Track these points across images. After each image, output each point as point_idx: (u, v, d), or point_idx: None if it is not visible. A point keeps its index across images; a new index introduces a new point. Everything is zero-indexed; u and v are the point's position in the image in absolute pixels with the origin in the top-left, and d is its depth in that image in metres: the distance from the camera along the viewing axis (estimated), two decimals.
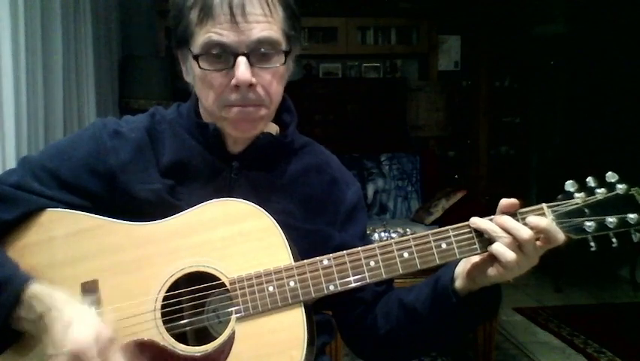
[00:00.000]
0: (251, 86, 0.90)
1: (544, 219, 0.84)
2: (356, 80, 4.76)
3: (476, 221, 0.87)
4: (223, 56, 0.90)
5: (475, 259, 0.89)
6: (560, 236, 0.84)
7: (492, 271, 0.86)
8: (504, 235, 0.84)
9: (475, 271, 0.89)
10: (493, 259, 0.86)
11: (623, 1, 4.28)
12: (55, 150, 1.01)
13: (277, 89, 0.95)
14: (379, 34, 4.67)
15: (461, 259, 0.90)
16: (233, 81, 0.90)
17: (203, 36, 0.90)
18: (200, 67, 0.91)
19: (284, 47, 0.93)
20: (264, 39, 0.90)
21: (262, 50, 0.90)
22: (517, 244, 0.83)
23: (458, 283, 0.92)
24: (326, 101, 4.55)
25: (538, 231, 0.84)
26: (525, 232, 0.83)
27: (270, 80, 0.93)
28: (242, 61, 0.89)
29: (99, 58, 3.26)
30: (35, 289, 0.85)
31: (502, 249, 0.84)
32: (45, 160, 0.98)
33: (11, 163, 1.92)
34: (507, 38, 4.82)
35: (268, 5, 0.90)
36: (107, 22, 3.50)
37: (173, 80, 3.67)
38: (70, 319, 0.81)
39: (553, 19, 4.79)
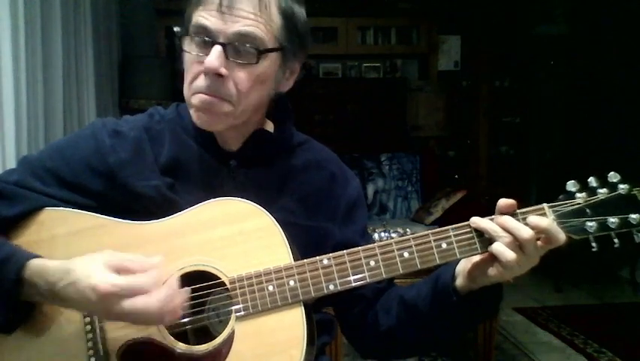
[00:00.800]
0: (221, 77, 0.90)
1: (545, 219, 0.84)
2: (356, 80, 4.76)
3: (477, 221, 0.87)
4: (204, 44, 0.91)
5: (476, 258, 0.89)
6: (561, 236, 0.84)
7: (492, 270, 0.86)
8: (504, 234, 0.84)
9: (475, 270, 0.89)
10: (493, 258, 0.85)
11: (623, 1, 4.28)
12: (55, 149, 1.01)
13: (251, 90, 0.93)
14: (379, 34, 4.67)
15: (461, 258, 0.90)
16: (203, 67, 0.90)
17: (193, 19, 0.91)
18: (182, 49, 0.92)
19: (257, 51, 0.91)
20: (245, 33, 0.89)
21: (239, 45, 0.90)
22: (518, 244, 0.83)
23: (459, 282, 0.92)
24: (326, 101, 4.55)
25: (538, 231, 0.83)
26: (526, 232, 0.83)
27: (244, 78, 0.91)
28: (215, 49, 0.89)
29: (99, 58, 3.26)
30: (35, 265, 0.85)
31: (502, 248, 0.84)
32: (45, 159, 0.99)
33: (11, 163, 1.92)
34: (507, 38, 4.81)
35: (260, 6, 0.90)
36: (107, 22, 3.50)
37: (173, 80, 3.67)
38: (76, 279, 0.80)
39: (554, 19, 4.79)
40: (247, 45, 0.90)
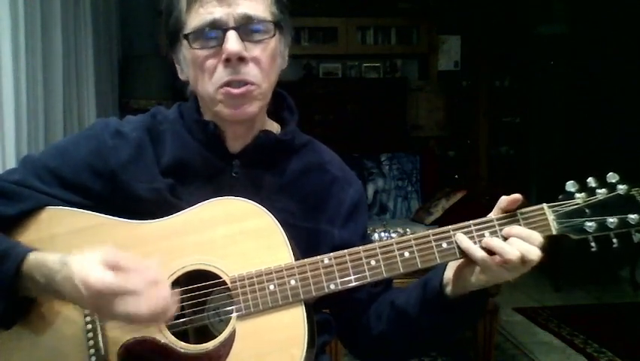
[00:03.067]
0: (242, 60, 0.91)
1: (495, 239, 0.85)
2: (356, 80, 4.76)
3: (461, 240, 0.87)
4: (214, 35, 0.91)
5: (460, 262, 0.90)
6: (514, 251, 0.84)
7: (482, 276, 0.87)
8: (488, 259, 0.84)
9: (465, 273, 0.89)
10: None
11: (623, 1, 4.29)
12: (56, 149, 1.01)
13: (271, 67, 0.95)
14: (379, 34, 4.68)
15: (457, 259, 0.90)
16: (224, 54, 0.90)
17: (194, 20, 0.91)
18: (191, 47, 0.92)
19: (272, 24, 0.94)
20: (251, 14, 0.91)
21: (250, 24, 0.91)
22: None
23: (448, 290, 0.92)
24: (326, 101, 4.56)
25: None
26: (513, 255, 0.83)
27: (263, 55, 0.93)
28: (231, 34, 0.90)
29: (99, 58, 3.26)
30: (34, 259, 0.86)
31: (488, 263, 0.84)
32: (47, 159, 0.99)
33: (11, 163, 1.92)
34: (507, 38, 4.82)
35: None
36: (107, 22, 3.50)
37: (173, 80, 3.66)
38: (71, 273, 0.79)
39: (554, 19, 4.79)
40: (256, 23, 0.91)
